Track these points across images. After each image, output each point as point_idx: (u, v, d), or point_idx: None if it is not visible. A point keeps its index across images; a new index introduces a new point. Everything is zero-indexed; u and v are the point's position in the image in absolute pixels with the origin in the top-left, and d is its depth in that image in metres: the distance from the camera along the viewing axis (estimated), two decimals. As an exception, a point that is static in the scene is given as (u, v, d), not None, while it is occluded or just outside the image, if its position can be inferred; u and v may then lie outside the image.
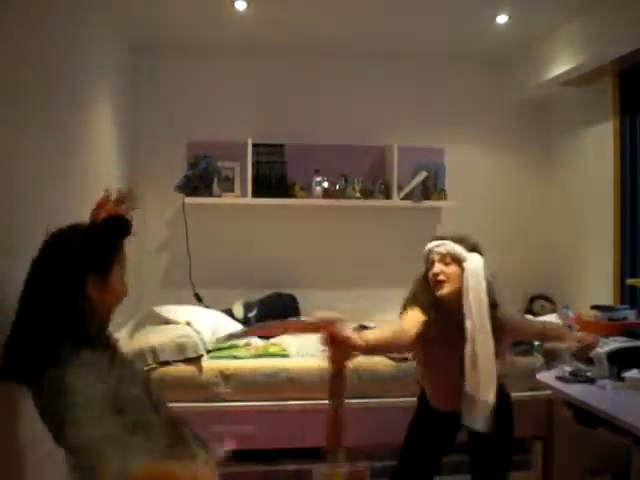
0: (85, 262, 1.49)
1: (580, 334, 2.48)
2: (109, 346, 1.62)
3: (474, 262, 2.10)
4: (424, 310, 2.16)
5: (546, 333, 2.39)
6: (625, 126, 3.31)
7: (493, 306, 2.10)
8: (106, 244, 1.56)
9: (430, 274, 2.16)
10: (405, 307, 2.25)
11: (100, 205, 1.68)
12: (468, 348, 2.05)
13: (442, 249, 2.15)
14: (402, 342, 2.14)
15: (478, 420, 2.03)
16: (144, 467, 1.31)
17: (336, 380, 1.97)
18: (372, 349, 2.07)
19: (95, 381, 1.41)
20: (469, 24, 3.39)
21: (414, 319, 2.16)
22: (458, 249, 2.13)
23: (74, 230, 1.54)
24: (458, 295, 2.10)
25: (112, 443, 1.31)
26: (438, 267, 2.13)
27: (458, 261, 2.12)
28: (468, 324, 2.05)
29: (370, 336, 2.07)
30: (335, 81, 3.94)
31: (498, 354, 2.07)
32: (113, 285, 1.58)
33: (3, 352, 1.46)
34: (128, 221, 1.62)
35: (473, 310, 2.05)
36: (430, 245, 2.20)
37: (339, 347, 1.89)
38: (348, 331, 1.91)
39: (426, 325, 2.14)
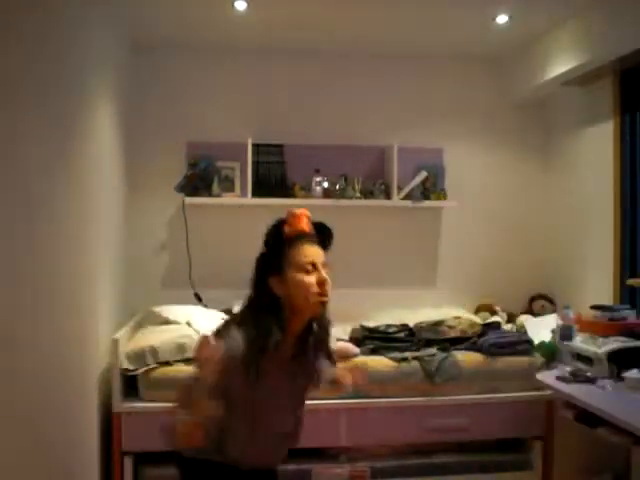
0: (264, 266, 1.74)
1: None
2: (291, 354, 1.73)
3: None
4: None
5: None
6: (625, 126, 3.30)
7: None
8: (275, 251, 1.73)
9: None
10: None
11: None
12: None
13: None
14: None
15: None
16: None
17: None
18: None
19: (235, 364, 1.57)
20: (469, 24, 3.39)
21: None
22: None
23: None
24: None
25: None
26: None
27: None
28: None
29: None
30: (335, 81, 3.94)
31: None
32: (291, 286, 1.68)
33: None
34: (297, 231, 1.74)
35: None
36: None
37: None
38: None
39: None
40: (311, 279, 1.66)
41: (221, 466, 1.68)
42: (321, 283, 1.67)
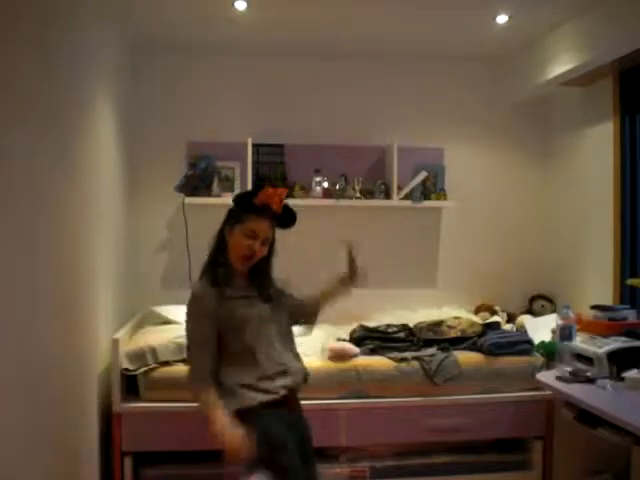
0: (226, 218, 2.22)
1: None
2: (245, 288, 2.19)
3: None
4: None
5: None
6: (625, 126, 3.31)
7: None
8: (237, 209, 2.18)
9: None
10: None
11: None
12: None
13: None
14: None
15: None
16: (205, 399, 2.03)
17: None
18: None
19: (201, 315, 2.08)
20: (469, 24, 3.39)
21: None
22: None
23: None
24: None
25: (197, 377, 2.07)
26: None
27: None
28: None
29: None
30: (335, 81, 3.94)
31: None
32: (231, 240, 2.17)
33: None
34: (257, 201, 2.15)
35: None
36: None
37: None
38: None
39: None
40: (245, 243, 2.12)
41: (266, 404, 2.07)
42: (250, 253, 2.14)
